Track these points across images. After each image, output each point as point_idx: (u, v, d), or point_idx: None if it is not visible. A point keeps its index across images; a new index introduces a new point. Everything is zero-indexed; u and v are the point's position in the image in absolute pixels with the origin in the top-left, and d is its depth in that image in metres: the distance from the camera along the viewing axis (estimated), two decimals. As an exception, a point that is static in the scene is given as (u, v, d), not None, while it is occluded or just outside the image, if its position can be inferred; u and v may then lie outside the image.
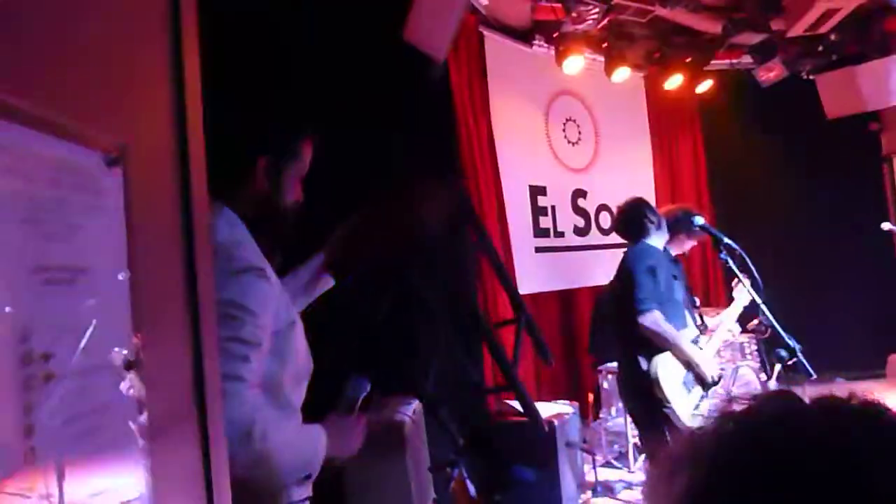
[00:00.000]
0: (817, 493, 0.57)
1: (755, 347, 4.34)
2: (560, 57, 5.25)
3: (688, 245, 3.47)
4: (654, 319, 2.98)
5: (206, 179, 0.68)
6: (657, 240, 3.27)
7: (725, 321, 3.34)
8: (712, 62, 6.06)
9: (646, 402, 3.20)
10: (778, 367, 3.20)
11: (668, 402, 3.03)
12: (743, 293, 3.19)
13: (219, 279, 0.73)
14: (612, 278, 3.41)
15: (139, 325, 0.57)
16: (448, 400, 4.03)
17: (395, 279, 3.73)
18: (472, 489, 3.50)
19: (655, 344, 3.06)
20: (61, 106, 0.53)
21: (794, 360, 2.75)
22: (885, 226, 5.28)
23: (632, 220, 3.30)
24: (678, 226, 3.34)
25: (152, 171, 0.63)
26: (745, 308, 3.35)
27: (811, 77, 6.17)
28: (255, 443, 1.22)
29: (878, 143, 6.91)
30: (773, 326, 2.91)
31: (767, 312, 2.92)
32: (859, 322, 6.04)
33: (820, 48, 5.90)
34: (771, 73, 6.00)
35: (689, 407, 3.09)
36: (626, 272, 3.19)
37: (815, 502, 0.57)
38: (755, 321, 3.80)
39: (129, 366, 0.56)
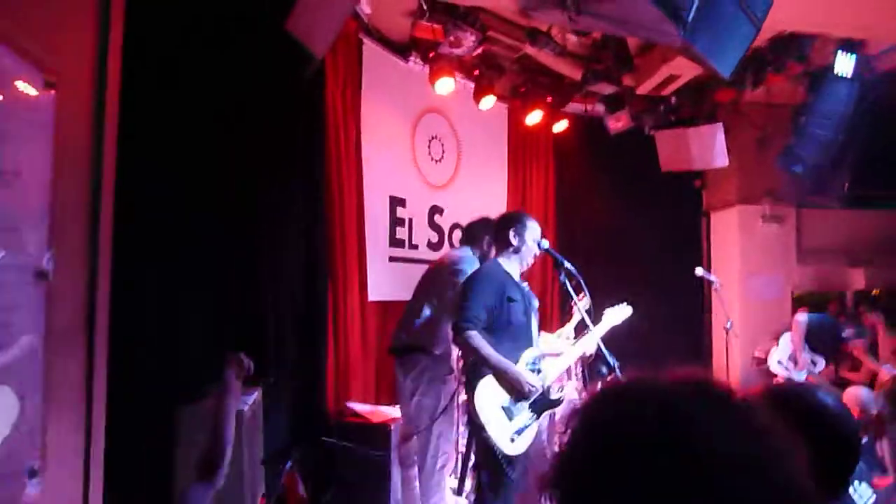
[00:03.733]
0: (649, 455, 0.63)
1: (580, 369, 4.70)
2: (433, 76, 5.44)
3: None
4: (471, 336, 3.07)
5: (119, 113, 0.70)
6: (508, 261, 3.39)
7: (585, 341, 3.44)
8: (570, 105, 6.57)
9: (469, 423, 3.33)
10: (599, 384, 3.51)
11: (485, 428, 3.04)
12: (580, 314, 3.40)
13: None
14: None
15: (53, 237, 0.58)
16: (288, 395, 4.02)
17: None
18: (301, 487, 3.50)
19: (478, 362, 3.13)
20: (10, 23, 0.54)
21: (613, 376, 3.05)
22: (699, 271, 5.98)
23: (500, 232, 3.43)
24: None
25: (79, 99, 0.65)
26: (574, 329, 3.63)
27: (652, 132, 6.86)
28: None
29: (700, 199, 7.81)
30: (599, 347, 3.21)
31: (596, 333, 3.20)
32: (666, 349, 6.73)
33: (661, 108, 6.59)
34: (619, 123, 6.58)
35: (506, 433, 3.07)
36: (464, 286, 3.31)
37: (649, 465, 0.63)
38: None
39: (41, 274, 0.58)
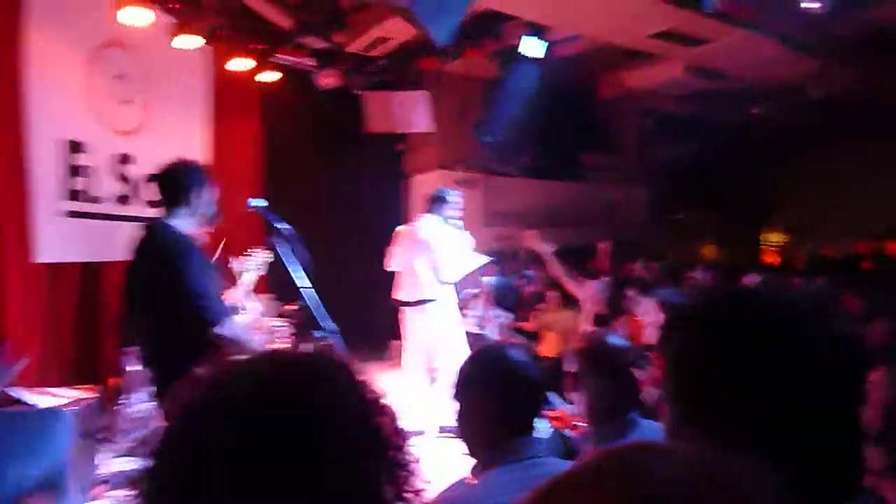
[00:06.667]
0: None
1: (292, 331, 4.58)
2: (118, 2, 4.69)
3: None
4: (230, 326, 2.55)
5: None
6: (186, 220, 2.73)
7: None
8: (279, 56, 6.23)
9: None
10: (312, 347, 3.42)
11: None
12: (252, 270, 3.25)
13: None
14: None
15: None
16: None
17: None
18: None
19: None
20: None
21: (331, 340, 2.98)
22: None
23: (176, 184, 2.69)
24: None
25: None
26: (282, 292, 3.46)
27: (360, 92, 6.89)
28: None
29: (401, 162, 8.12)
30: (310, 309, 3.11)
31: (313, 297, 3.10)
32: (370, 311, 6.96)
33: (370, 69, 6.63)
34: (328, 80, 6.48)
35: None
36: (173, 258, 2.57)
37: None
38: (293, 305, 4.03)
39: None
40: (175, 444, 0.66)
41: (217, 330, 2.44)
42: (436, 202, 4.84)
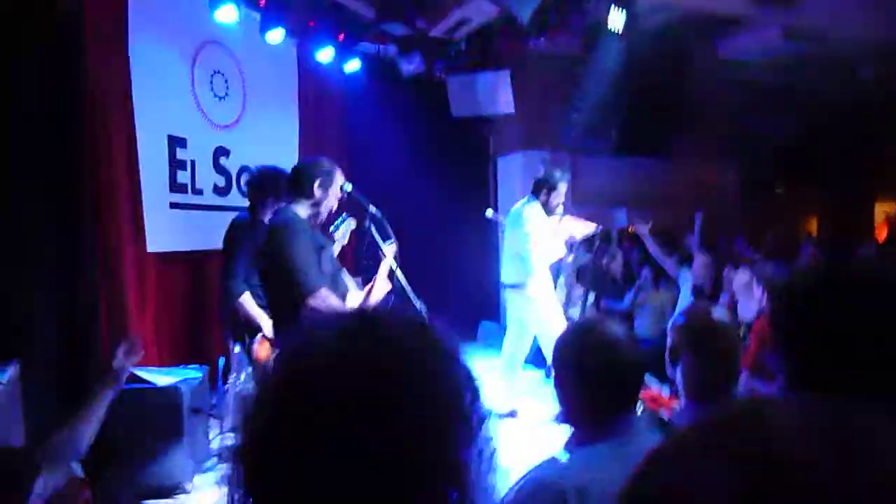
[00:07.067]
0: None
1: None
2: (214, 2, 4.91)
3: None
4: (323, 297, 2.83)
5: None
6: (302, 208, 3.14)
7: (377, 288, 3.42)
8: (361, 44, 6.35)
9: None
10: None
11: None
12: (387, 260, 3.35)
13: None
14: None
15: None
16: (52, 370, 3.48)
17: None
18: (85, 491, 3.07)
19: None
20: None
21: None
22: (489, 213, 6.23)
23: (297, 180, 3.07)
24: None
25: None
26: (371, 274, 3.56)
27: (443, 77, 6.92)
28: None
29: (487, 144, 8.11)
30: (405, 291, 3.18)
31: (402, 278, 3.17)
32: (461, 293, 7.02)
33: (452, 52, 6.64)
34: (411, 66, 6.53)
35: None
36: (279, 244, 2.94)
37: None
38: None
39: None
40: (267, 405, 0.67)
41: (310, 301, 2.75)
42: (537, 185, 4.80)
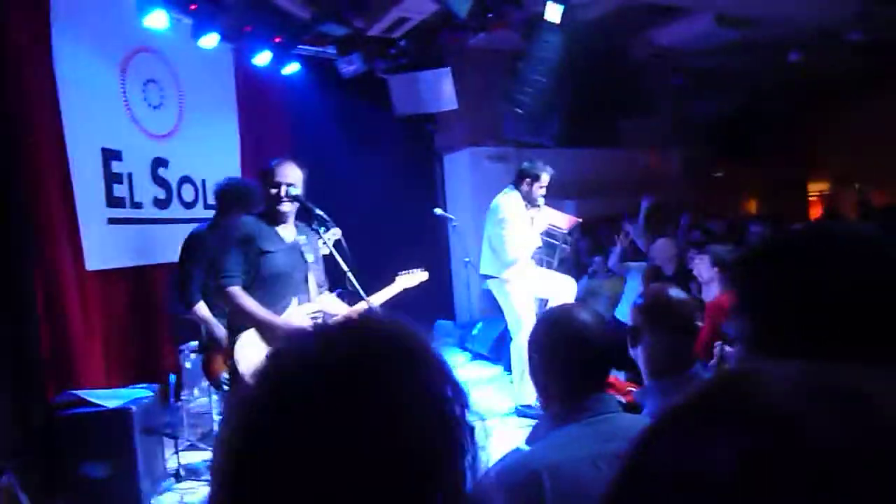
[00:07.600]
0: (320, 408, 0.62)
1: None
2: (141, 9, 4.74)
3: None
4: (235, 293, 2.96)
5: None
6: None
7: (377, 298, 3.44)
8: (300, 47, 6.23)
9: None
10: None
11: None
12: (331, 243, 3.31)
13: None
14: None
15: None
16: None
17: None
18: (23, 499, 2.92)
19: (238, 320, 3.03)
20: None
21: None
22: (437, 211, 6.21)
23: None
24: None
25: None
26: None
27: (384, 76, 6.85)
28: None
29: (432, 141, 8.08)
30: (358, 293, 3.13)
31: (355, 282, 3.11)
32: (414, 292, 6.95)
33: (392, 51, 6.59)
34: (351, 67, 6.45)
35: None
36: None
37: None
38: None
39: None
40: (254, 407, 0.66)
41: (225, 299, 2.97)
42: (520, 175, 4.82)
